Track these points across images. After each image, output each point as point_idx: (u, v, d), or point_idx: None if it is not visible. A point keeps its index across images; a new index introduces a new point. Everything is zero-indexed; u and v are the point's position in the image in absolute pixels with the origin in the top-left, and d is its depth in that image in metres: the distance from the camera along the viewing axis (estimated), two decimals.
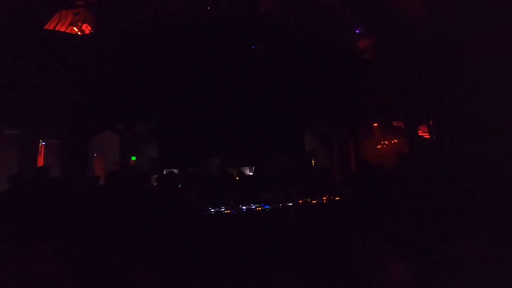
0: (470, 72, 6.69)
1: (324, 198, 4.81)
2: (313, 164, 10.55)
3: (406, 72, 7.81)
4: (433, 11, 6.94)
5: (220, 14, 7.23)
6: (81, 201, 4.58)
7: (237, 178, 6.51)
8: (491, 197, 4.38)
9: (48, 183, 4.88)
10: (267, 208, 3.92)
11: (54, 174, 6.57)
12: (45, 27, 6.81)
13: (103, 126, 9.42)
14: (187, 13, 7.70)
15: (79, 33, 7.85)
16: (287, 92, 9.60)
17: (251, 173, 9.33)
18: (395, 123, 10.96)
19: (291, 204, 4.18)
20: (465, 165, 6.54)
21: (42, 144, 8.41)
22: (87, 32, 7.89)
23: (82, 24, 7.74)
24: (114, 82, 7.67)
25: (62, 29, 7.48)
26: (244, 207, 3.81)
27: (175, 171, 7.09)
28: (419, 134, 9.82)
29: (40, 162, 8.12)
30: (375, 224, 3.60)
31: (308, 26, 8.26)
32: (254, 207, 3.89)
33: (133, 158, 10.84)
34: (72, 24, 7.62)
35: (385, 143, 11.60)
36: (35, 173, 5.74)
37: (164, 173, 8.53)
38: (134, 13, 7.31)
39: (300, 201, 4.41)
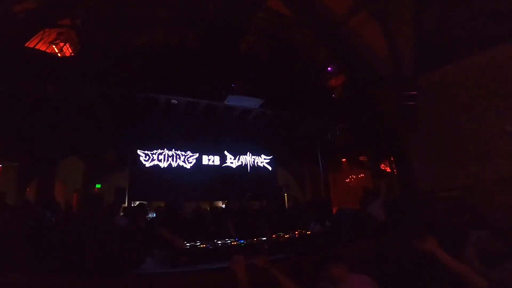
0: (424, 109, 7.41)
1: (296, 232, 4.90)
2: (285, 198, 10.71)
3: (370, 110, 8.46)
4: (393, 51, 7.72)
5: (203, 47, 7.50)
6: (38, 230, 4.28)
7: (209, 211, 6.45)
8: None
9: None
10: (242, 243, 3.92)
11: (9, 200, 6.08)
12: (25, 44, 6.60)
13: (68, 151, 8.98)
14: (170, 43, 7.92)
15: (58, 53, 7.69)
16: (261, 129, 9.97)
17: (223, 206, 9.25)
18: (361, 158, 11.59)
19: (264, 238, 4.21)
20: (424, 198, 7.09)
21: None
22: (67, 54, 7.75)
23: (64, 44, 7.62)
24: (85, 108, 7.50)
25: (43, 48, 7.29)
26: (219, 242, 3.78)
27: (145, 203, 6.90)
28: (382, 168, 10.45)
29: None
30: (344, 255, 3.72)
31: (283, 65, 8.80)
32: (229, 241, 3.87)
33: (98, 186, 10.28)
34: (53, 43, 7.47)
35: (352, 177, 12.16)
36: None
37: (134, 204, 8.23)
38: (117, 40, 7.39)
39: (274, 236, 4.46)
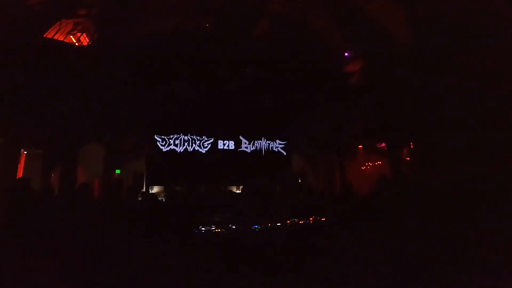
0: (451, 97, 7.06)
1: (311, 219, 4.89)
2: (300, 184, 10.68)
3: (391, 97, 8.18)
4: (418, 36, 7.35)
5: (219, 32, 7.45)
6: (62, 213, 4.48)
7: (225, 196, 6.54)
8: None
9: (28, 193, 4.75)
10: (257, 228, 3.97)
11: (34, 185, 6.38)
12: (44, 35, 6.76)
13: (89, 138, 9.27)
14: (186, 30, 7.88)
15: (76, 43, 7.83)
16: (278, 114, 9.90)
17: (238, 191, 9.35)
18: (378, 146, 11.33)
19: (279, 224, 4.25)
20: (440, 188, 6.87)
21: (23, 153, 8.13)
22: (84, 43, 7.89)
23: (81, 34, 7.74)
24: (104, 95, 7.65)
25: (61, 38, 7.45)
26: (233, 226, 3.84)
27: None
28: (401, 156, 10.19)
29: (20, 171, 7.81)
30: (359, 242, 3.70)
31: (300, 49, 8.58)
32: (244, 226, 3.92)
33: (118, 171, 10.59)
34: (70, 33, 7.61)
35: (368, 165, 11.93)
36: (15, 183, 5.53)
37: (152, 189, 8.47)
38: (134, 29, 7.42)
39: (288, 222, 4.48)
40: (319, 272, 2.74)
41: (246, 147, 10.26)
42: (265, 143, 10.58)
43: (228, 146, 10.04)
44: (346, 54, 9.67)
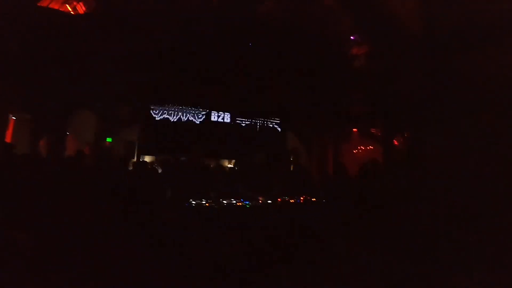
0: (455, 90, 6.96)
1: (302, 198, 4.93)
2: (292, 163, 10.71)
3: (392, 84, 8.08)
4: (430, 25, 7.13)
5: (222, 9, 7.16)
6: (51, 181, 4.40)
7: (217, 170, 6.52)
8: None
9: (15, 159, 4.65)
10: (248, 204, 3.97)
11: (22, 151, 6.23)
12: (39, 4, 6.45)
13: (81, 104, 9.04)
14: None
15: (72, 12, 7.51)
16: (273, 90, 9.71)
17: (230, 166, 9.35)
18: (373, 131, 11.34)
19: (270, 201, 4.26)
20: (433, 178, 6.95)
21: (12, 119, 7.89)
22: (80, 12, 7.55)
23: (78, 3, 7.40)
24: (97, 63, 7.39)
25: (56, 7, 7.11)
26: (225, 201, 3.83)
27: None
28: (394, 143, 10.25)
29: (8, 137, 7.62)
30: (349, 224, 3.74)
31: (303, 28, 8.32)
32: (234, 202, 3.92)
33: (109, 139, 10.44)
34: (66, 2, 7.27)
35: (361, 149, 12.00)
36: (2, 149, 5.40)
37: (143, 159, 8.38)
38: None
39: (279, 200, 4.50)
40: (307, 256, 2.76)
41: (242, 121, 10.11)
42: (261, 118, 10.43)
43: (223, 118, 9.84)
44: (352, 37, 9.44)
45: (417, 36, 7.23)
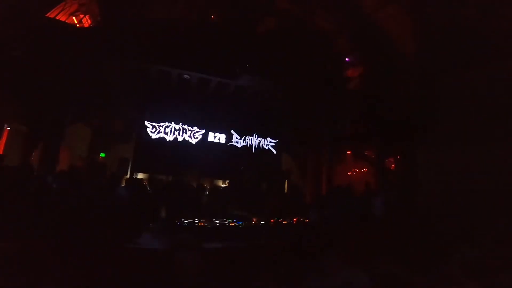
0: (443, 112, 7.12)
1: (295, 219, 4.91)
2: (286, 184, 10.71)
3: (386, 106, 8.26)
4: (421, 48, 7.39)
5: (222, 25, 7.38)
6: (40, 195, 4.33)
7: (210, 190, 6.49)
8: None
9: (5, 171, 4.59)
10: (240, 224, 3.94)
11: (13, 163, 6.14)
12: (47, 15, 6.59)
13: (77, 118, 9.05)
14: (188, 18, 7.77)
15: (77, 24, 7.69)
16: (269, 111, 9.87)
17: (224, 185, 9.30)
18: (367, 153, 11.46)
19: (263, 222, 4.23)
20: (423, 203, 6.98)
21: (6, 129, 7.84)
22: (86, 25, 7.73)
23: (84, 16, 7.60)
24: (98, 77, 7.50)
25: (63, 18, 7.28)
26: (217, 221, 3.80)
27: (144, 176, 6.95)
28: (386, 166, 10.35)
29: (1, 148, 7.54)
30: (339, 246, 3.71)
31: (301, 49, 8.57)
32: (227, 222, 3.89)
33: (102, 154, 10.36)
34: (73, 14, 7.47)
35: (355, 171, 12.06)
36: None
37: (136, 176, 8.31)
38: (139, 13, 7.28)
39: (272, 220, 4.48)
40: (297, 273, 2.73)
41: (237, 142, 10.17)
42: (256, 139, 10.50)
43: (218, 139, 9.89)
44: (347, 59, 9.71)
45: (411, 57, 7.49)
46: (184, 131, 9.45)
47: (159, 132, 9.20)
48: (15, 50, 5.98)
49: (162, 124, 9.24)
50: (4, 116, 7.49)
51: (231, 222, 3.88)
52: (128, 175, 8.54)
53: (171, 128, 9.33)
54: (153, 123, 9.17)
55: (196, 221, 3.65)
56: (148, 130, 9.10)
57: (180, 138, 9.36)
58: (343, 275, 2.42)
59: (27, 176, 4.87)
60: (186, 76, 8.03)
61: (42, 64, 6.52)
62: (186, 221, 3.62)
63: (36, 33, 6.03)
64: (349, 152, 12.02)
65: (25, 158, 7.85)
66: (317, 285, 2.43)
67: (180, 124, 9.44)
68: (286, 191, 9.93)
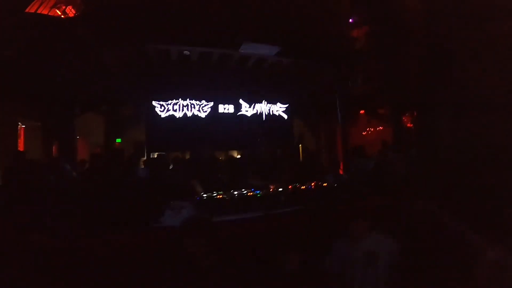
0: (457, 70, 6.72)
1: (313, 184, 4.89)
2: (300, 149, 10.67)
3: (394, 63, 7.89)
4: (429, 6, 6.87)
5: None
6: (66, 186, 4.48)
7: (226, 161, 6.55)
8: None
9: (29, 167, 4.72)
10: (258, 193, 3.97)
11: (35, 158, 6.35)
12: (26, 10, 6.39)
13: (86, 108, 9.16)
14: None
15: (62, 16, 7.46)
16: (276, 76, 9.60)
17: (238, 156, 9.37)
18: (380, 111, 11.16)
19: (281, 189, 4.25)
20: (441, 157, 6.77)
21: (21, 127, 8.03)
22: (70, 15, 7.50)
23: (66, 6, 7.33)
24: (98, 65, 7.42)
25: (45, 12, 7.05)
26: (235, 192, 3.84)
27: (163, 154, 7.08)
28: (403, 123, 10.08)
29: (21, 146, 7.78)
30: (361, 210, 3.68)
31: (304, 12, 8.11)
32: (245, 192, 3.92)
33: (118, 140, 10.59)
34: (55, 6, 7.20)
35: (370, 130, 11.85)
36: (15, 157, 5.48)
37: (153, 156, 8.47)
38: None
39: (290, 187, 4.49)
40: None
41: (247, 111, 10.04)
42: (266, 106, 10.33)
43: (228, 110, 9.78)
44: (350, 20, 9.20)
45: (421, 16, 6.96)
46: (193, 106, 9.38)
47: (168, 110, 9.18)
48: (7, 50, 5.90)
49: (169, 102, 9.18)
50: (16, 115, 7.62)
51: (249, 192, 3.91)
52: (145, 156, 8.72)
53: (179, 105, 9.28)
54: (161, 102, 9.13)
55: (215, 194, 3.71)
56: (156, 109, 9.10)
57: (189, 114, 9.34)
58: (370, 240, 2.38)
59: (52, 168, 5.05)
60: (186, 52, 7.81)
61: (37, 59, 6.46)
62: (205, 195, 3.68)
63: (22, 29, 5.89)
64: (362, 111, 11.74)
65: (46, 152, 8.12)
66: (345, 252, 2.43)
67: (188, 99, 9.35)
68: (300, 155, 9.92)
